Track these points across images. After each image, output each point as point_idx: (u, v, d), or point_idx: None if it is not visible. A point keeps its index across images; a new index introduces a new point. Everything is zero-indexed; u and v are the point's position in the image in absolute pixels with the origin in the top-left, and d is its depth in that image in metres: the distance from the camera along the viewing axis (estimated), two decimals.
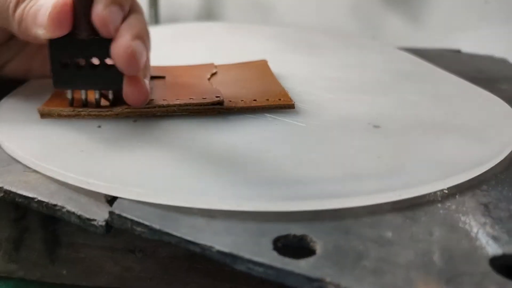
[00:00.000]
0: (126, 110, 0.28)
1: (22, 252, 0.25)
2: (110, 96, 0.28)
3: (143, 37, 0.27)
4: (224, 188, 0.22)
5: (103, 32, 0.26)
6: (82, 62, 0.27)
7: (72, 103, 0.28)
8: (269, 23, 0.59)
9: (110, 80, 0.27)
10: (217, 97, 0.29)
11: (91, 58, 0.27)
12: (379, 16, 0.80)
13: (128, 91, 0.27)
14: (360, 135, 0.27)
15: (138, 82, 0.27)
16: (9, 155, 0.25)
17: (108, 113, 0.28)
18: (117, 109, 0.28)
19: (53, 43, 0.26)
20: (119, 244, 0.24)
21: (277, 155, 0.25)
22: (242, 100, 0.30)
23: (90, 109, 0.28)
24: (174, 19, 0.85)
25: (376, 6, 0.80)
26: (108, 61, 0.27)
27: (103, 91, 0.28)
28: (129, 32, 0.26)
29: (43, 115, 0.28)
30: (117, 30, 0.26)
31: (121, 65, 0.26)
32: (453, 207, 0.22)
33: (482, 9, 0.74)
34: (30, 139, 0.26)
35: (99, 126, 0.27)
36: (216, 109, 0.29)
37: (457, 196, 0.23)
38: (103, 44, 0.26)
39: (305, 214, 0.21)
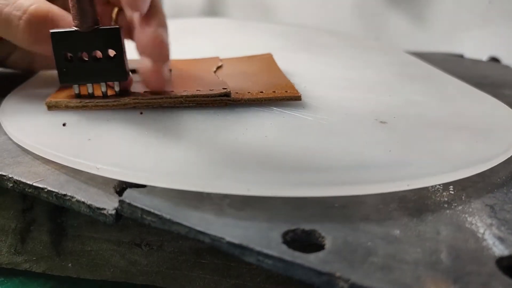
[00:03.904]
0: (133, 100, 0.28)
1: (28, 244, 0.25)
2: (116, 87, 0.28)
3: (166, 26, 0.28)
4: (233, 174, 0.22)
5: (133, 7, 0.27)
6: (85, 56, 0.27)
7: (79, 95, 0.28)
8: (271, 23, 0.59)
9: (114, 72, 0.28)
10: (224, 88, 0.29)
11: (93, 50, 0.27)
12: (382, 17, 0.80)
13: (149, 76, 0.28)
14: (367, 129, 0.27)
15: (158, 68, 0.28)
16: (18, 147, 0.25)
17: (115, 103, 0.28)
18: (124, 100, 0.28)
19: (56, 40, 0.27)
20: (125, 237, 0.24)
21: (285, 146, 0.25)
22: (249, 92, 0.30)
23: (97, 100, 0.28)
24: (177, 17, 0.85)
25: (379, 7, 0.80)
26: (110, 53, 0.27)
27: (109, 83, 0.28)
28: (155, 20, 0.27)
29: (50, 107, 0.28)
30: (143, 12, 0.27)
31: (150, 53, 0.27)
32: (459, 207, 0.22)
33: (485, 11, 0.74)
34: (39, 130, 0.26)
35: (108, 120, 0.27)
36: (223, 101, 0.29)
37: (463, 197, 0.23)
38: (104, 35, 0.27)
39: (314, 209, 0.21)
